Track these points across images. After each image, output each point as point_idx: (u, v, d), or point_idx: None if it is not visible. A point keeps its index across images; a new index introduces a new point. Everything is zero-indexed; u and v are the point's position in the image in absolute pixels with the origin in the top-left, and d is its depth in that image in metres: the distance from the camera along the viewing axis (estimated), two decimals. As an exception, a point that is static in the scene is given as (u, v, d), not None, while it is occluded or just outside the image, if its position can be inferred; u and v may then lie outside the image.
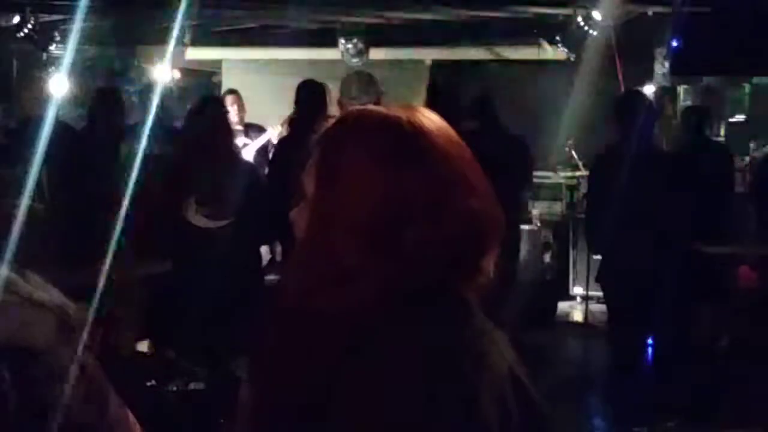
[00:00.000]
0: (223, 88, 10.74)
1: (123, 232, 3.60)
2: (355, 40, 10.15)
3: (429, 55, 11.24)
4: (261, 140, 8.28)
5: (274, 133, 8.10)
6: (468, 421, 1.31)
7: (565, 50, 9.90)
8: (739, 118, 9.88)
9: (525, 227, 8.67)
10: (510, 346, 1.48)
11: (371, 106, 1.49)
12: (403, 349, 1.34)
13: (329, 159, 1.42)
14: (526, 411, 1.39)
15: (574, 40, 9.47)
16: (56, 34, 9.71)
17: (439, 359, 1.33)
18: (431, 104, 6.82)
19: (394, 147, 1.40)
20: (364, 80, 5.30)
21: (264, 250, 6.28)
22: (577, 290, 9.32)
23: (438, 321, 1.38)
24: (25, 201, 1.53)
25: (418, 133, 1.41)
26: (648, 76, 9.96)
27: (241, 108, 8.44)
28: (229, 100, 8.33)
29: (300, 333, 1.40)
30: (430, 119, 1.45)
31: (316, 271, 1.40)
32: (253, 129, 8.44)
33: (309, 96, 6.20)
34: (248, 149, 8.14)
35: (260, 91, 9.72)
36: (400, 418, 1.29)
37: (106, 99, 6.85)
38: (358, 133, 1.43)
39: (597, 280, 6.57)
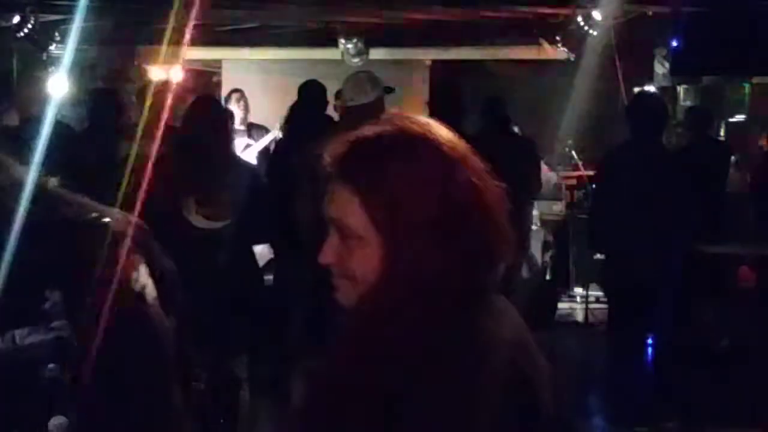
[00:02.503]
0: (223, 88, 10.74)
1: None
2: (355, 40, 10.16)
3: (429, 55, 11.24)
4: (264, 141, 8.25)
5: (278, 134, 8.08)
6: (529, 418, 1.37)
7: (565, 50, 9.90)
8: (739, 118, 9.88)
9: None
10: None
11: (388, 126, 1.49)
12: (473, 351, 1.37)
13: (381, 186, 1.42)
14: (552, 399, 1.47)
15: (574, 40, 9.47)
16: (56, 34, 9.71)
17: (504, 355, 1.39)
18: (433, 104, 6.82)
19: (438, 162, 1.44)
20: (361, 81, 5.28)
21: (264, 249, 6.27)
22: (577, 290, 9.33)
23: (494, 317, 1.45)
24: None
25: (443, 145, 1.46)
26: (648, 76, 9.96)
27: (246, 108, 8.42)
28: (234, 98, 8.31)
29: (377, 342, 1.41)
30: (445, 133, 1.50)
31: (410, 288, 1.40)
32: (256, 129, 8.41)
33: (309, 96, 6.20)
34: (251, 150, 8.12)
35: (260, 91, 9.72)
36: (472, 424, 1.33)
37: (104, 99, 6.85)
38: (401, 155, 1.44)
39: (598, 279, 6.58)
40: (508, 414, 1.35)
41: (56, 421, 1.50)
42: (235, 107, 8.08)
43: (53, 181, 1.64)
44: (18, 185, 1.56)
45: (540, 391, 1.41)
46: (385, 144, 1.44)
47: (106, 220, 1.59)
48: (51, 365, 1.51)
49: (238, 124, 7.87)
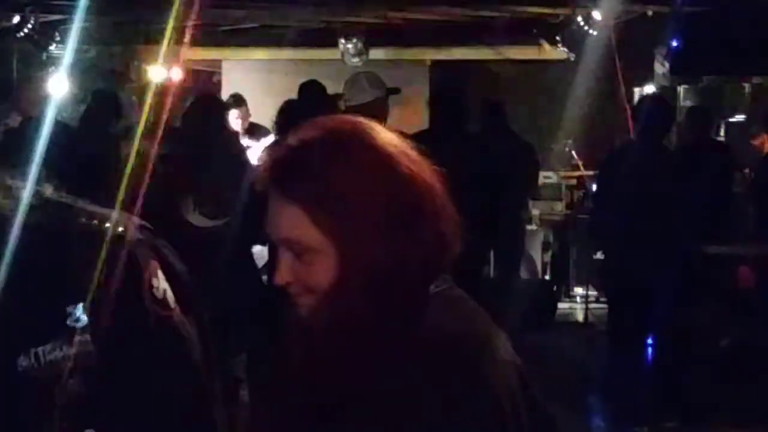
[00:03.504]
0: (223, 88, 10.74)
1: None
2: (355, 40, 10.15)
3: (429, 55, 11.24)
4: (265, 142, 8.21)
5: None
6: (485, 414, 1.35)
7: (565, 50, 9.90)
8: (739, 118, 9.87)
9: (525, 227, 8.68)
10: (505, 334, 1.50)
11: (316, 132, 1.45)
12: (423, 341, 1.37)
13: (325, 195, 1.39)
14: (526, 396, 1.43)
15: (574, 40, 9.47)
16: (56, 34, 9.71)
17: (457, 351, 1.37)
18: (433, 104, 6.82)
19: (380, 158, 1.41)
20: (360, 81, 5.28)
21: (264, 250, 6.27)
22: (577, 290, 9.33)
23: (448, 311, 1.42)
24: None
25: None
26: (648, 76, 9.95)
27: (245, 118, 8.32)
28: (233, 114, 8.14)
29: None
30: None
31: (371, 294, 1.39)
32: (258, 130, 8.35)
33: (310, 96, 6.20)
34: (252, 151, 8.08)
35: (260, 91, 9.71)
36: (420, 413, 1.33)
37: (104, 99, 6.85)
38: (337, 158, 1.41)
39: (598, 278, 6.58)
40: (467, 412, 1.34)
41: None
42: (232, 108, 7.98)
43: (52, 188, 1.62)
44: (20, 199, 1.55)
45: (497, 388, 1.37)
46: (318, 151, 1.41)
47: (122, 229, 1.58)
48: (76, 379, 1.51)
49: (238, 126, 7.82)
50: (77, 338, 1.51)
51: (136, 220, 1.61)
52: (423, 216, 1.40)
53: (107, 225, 1.58)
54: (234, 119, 7.88)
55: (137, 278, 1.56)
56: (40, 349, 1.51)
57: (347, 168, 1.39)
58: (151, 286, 1.58)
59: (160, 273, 1.59)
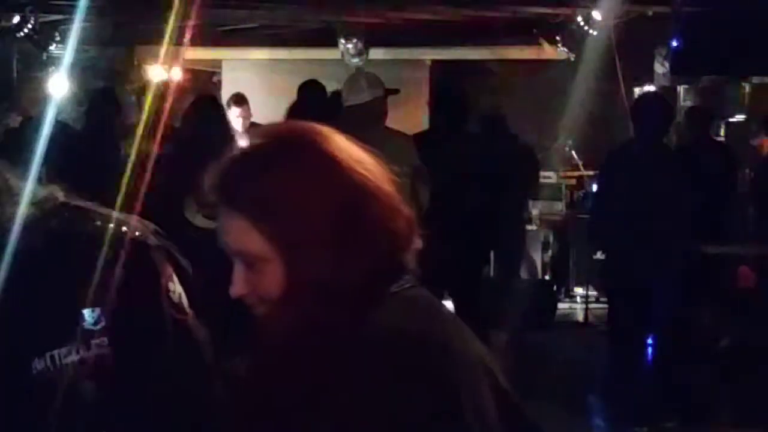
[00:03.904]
0: (223, 88, 10.73)
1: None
2: (355, 40, 10.15)
3: (429, 55, 11.24)
4: None
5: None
6: (437, 413, 1.33)
7: (565, 50, 9.90)
8: (739, 118, 9.87)
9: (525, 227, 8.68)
10: (473, 334, 1.48)
11: (263, 140, 1.46)
12: (375, 344, 1.36)
13: (266, 204, 1.39)
14: (498, 400, 1.40)
15: (574, 40, 9.47)
16: (56, 34, 9.71)
17: (408, 350, 1.35)
18: (433, 104, 6.83)
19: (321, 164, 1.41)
20: (357, 81, 5.28)
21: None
22: (577, 290, 9.33)
23: (404, 312, 1.40)
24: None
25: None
26: (648, 76, 9.96)
27: (246, 117, 8.31)
28: (235, 113, 8.12)
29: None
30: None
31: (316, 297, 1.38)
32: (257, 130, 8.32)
33: (310, 96, 6.20)
34: None
35: (260, 91, 9.71)
36: (374, 416, 1.32)
37: (104, 99, 6.85)
38: (279, 166, 1.41)
39: (598, 278, 6.58)
40: (416, 411, 1.32)
41: None
42: (234, 107, 7.99)
43: (63, 192, 1.62)
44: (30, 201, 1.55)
45: (454, 387, 1.35)
46: (260, 160, 1.41)
47: (138, 233, 1.59)
48: (92, 382, 1.51)
49: (239, 126, 7.80)
50: (94, 341, 1.52)
51: (149, 224, 1.61)
52: (370, 220, 1.39)
53: (123, 229, 1.59)
54: (235, 118, 7.86)
55: (155, 282, 1.57)
56: (55, 352, 1.51)
57: (288, 176, 1.39)
58: (168, 290, 1.59)
59: (175, 277, 1.60)
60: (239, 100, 8.22)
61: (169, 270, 1.59)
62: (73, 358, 1.51)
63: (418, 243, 1.46)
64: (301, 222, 1.37)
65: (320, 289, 1.37)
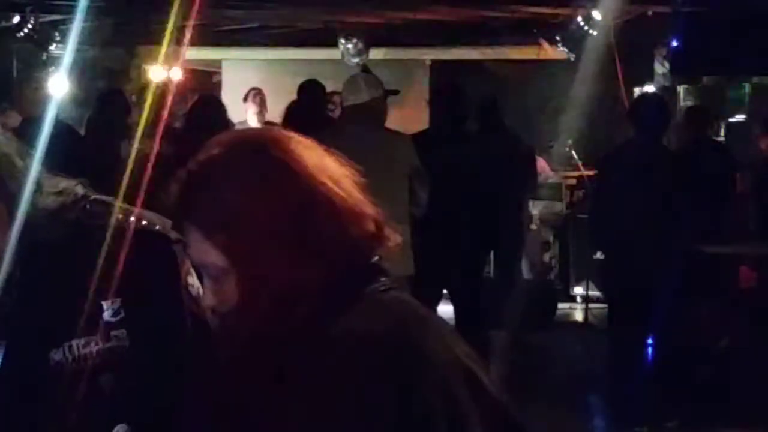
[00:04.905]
0: (223, 88, 10.74)
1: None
2: (355, 40, 10.15)
3: (429, 55, 11.25)
4: None
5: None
6: (405, 415, 1.31)
7: (565, 50, 9.91)
8: (739, 118, 9.87)
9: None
10: (457, 336, 1.47)
11: (215, 150, 1.45)
12: (340, 346, 1.35)
13: (213, 214, 1.39)
14: (479, 400, 1.38)
15: (574, 40, 9.47)
16: (56, 34, 9.71)
17: (373, 353, 1.34)
18: (433, 104, 6.82)
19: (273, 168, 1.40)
20: (356, 82, 5.28)
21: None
22: (577, 290, 9.32)
23: (371, 314, 1.39)
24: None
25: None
26: (648, 76, 9.96)
27: (262, 113, 8.30)
28: (251, 94, 8.10)
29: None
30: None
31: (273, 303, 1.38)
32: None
33: (309, 96, 6.21)
34: None
35: (260, 91, 9.70)
36: (340, 418, 1.31)
37: (114, 100, 6.83)
38: (224, 176, 1.40)
39: (598, 278, 6.57)
40: (383, 414, 1.31)
41: (120, 429, 1.52)
42: (250, 103, 7.97)
43: (79, 183, 1.63)
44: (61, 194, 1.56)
45: (420, 388, 1.33)
46: (210, 171, 1.41)
47: (158, 227, 1.60)
48: (110, 374, 1.52)
49: (254, 122, 7.79)
50: (113, 333, 1.52)
51: (167, 219, 1.62)
52: (325, 226, 1.38)
53: (144, 222, 1.60)
54: (252, 115, 7.89)
55: (175, 276, 1.58)
56: (74, 343, 1.51)
57: (236, 187, 1.38)
58: (188, 284, 1.60)
59: (193, 271, 1.60)
60: (256, 96, 8.16)
61: (188, 264, 1.60)
62: (92, 349, 1.51)
63: (395, 239, 1.45)
64: (250, 232, 1.37)
65: (276, 296, 1.37)
